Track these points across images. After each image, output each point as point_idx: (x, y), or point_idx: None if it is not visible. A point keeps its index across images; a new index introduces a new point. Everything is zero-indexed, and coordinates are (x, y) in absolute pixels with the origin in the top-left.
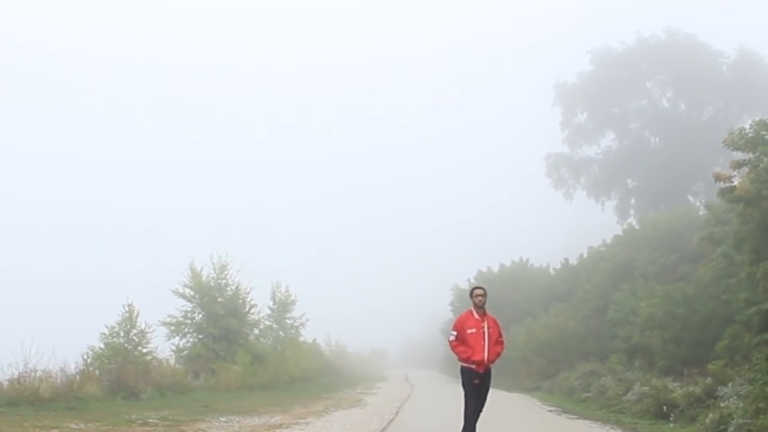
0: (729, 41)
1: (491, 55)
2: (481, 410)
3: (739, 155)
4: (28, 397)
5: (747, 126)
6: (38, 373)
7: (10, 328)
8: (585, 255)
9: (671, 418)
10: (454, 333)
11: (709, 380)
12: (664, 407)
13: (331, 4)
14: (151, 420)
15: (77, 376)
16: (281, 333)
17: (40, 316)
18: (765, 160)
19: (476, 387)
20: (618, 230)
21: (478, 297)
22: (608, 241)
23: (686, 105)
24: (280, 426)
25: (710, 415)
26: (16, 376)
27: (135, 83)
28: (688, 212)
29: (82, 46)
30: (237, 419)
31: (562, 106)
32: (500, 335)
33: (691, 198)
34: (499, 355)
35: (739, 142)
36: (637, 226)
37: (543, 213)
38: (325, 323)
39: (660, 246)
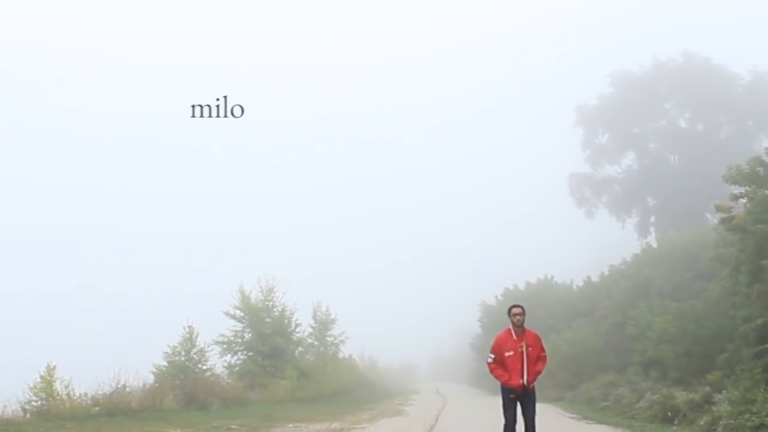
0: (743, 59)
1: (510, 72)
2: (533, 428)
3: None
4: (123, 409)
5: (745, 164)
6: (127, 389)
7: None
8: (606, 273)
9: (675, 422)
10: (492, 356)
11: (707, 389)
12: (669, 413)
13: (346, 26)
14: (233, 426)
15: (157, 391)
16: (322, 350)
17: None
18: (759, 193)
19: (515, 402)
20: (639, 247)
21: (516, 316)
22: (628, 259)
23: (704, 125)
24: (342, 430)
25: (705, 418)
26: (109, 392)
27: (150, 106)
28: (702, 232)
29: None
30: (303, 425)
31: (584, 128)
32: (542, 350)
33: (709, 216)
34: (540, 372)
35: (737, 177)
36: (655, 245)
37: (566, 229)
38: (356, 338)
39: (676, 264)
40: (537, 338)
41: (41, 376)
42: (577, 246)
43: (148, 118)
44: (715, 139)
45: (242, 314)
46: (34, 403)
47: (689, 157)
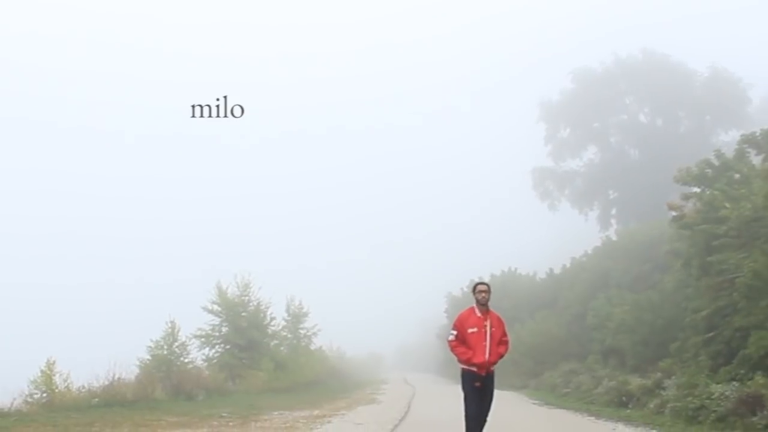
0: (701, 54)
1: (476, 65)
2: (485, 419)
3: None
4: (119, 400)
5: (694, 166)
6: (121, 381)
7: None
8: (568, 265)
9: (629, 406)
10: (454, 332)
11: (659, 375)
12: (624, 397)
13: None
14: (223, 414)
15: (148, 382)
16: (295, 342)
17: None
18: (707, 193)
19: (478, 391)
20: (600, 240)
21: (481, 293)
22: (589, 252)
23: (663, 120)
24: (323, 416)
25: (654, 401)
26: (105, 384)
27: (137, 95)
28: (660, 225)
29: (95, 60)
30: (287, 413)
31: (547, 123)
32: (504, 334)
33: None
34: (502, 356)
35: (687, 178)
36: (614, 238)
37: (530, 221)
38: (324, 329)
39: (635, 256)
40: (500, 321)
41: (42, 371)
42: (541, 238)
43: (131, 107)
44: (674, 134)
45: (219, 309)
46: (35, 396)
47: (649, 151)
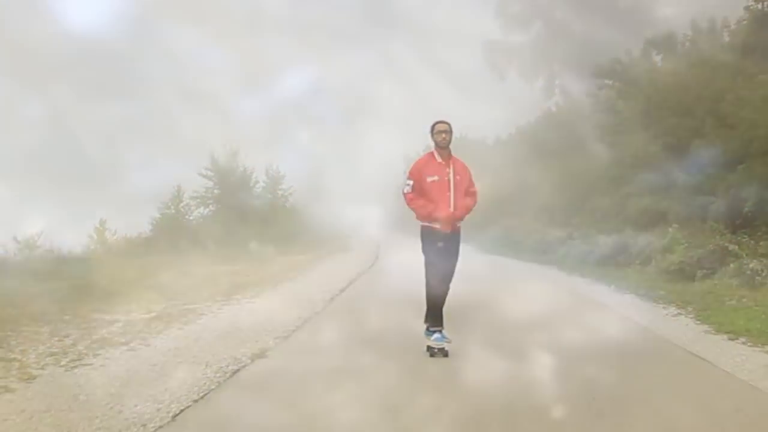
0: None
1: None
2: (447, 288)
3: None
4: (157, 249)
5: (605, 62)
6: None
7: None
8: (513, 132)
9: (547, 253)
10: (410, 182)
11: (571, 229)
12: (544, 247)
13: None
14: (241, 257)
15: (174, 235)
16: (274, 201)
17: None
18: (615, 85)
19: (441, 252)
20: (542, 110)
21: (441, 134)
22: (532, 121)
23: None
24: (318, 258)
25: (564, 249)
26: (145, 237)
27: None
28: (593, 98)
29: None
30: (289, 257)
31: None
32: (471, 184)
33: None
34: (469, 209)
35: (600, 72)
36: (553, 109)
37: (481, 90)
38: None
39: (570, 126)
40: (465, 168)
41: (96, 227)
42: (491, 106)
43: None
44: (615, 8)
45: (212, 174)
46: (92, 247)
47: (591, 25)
